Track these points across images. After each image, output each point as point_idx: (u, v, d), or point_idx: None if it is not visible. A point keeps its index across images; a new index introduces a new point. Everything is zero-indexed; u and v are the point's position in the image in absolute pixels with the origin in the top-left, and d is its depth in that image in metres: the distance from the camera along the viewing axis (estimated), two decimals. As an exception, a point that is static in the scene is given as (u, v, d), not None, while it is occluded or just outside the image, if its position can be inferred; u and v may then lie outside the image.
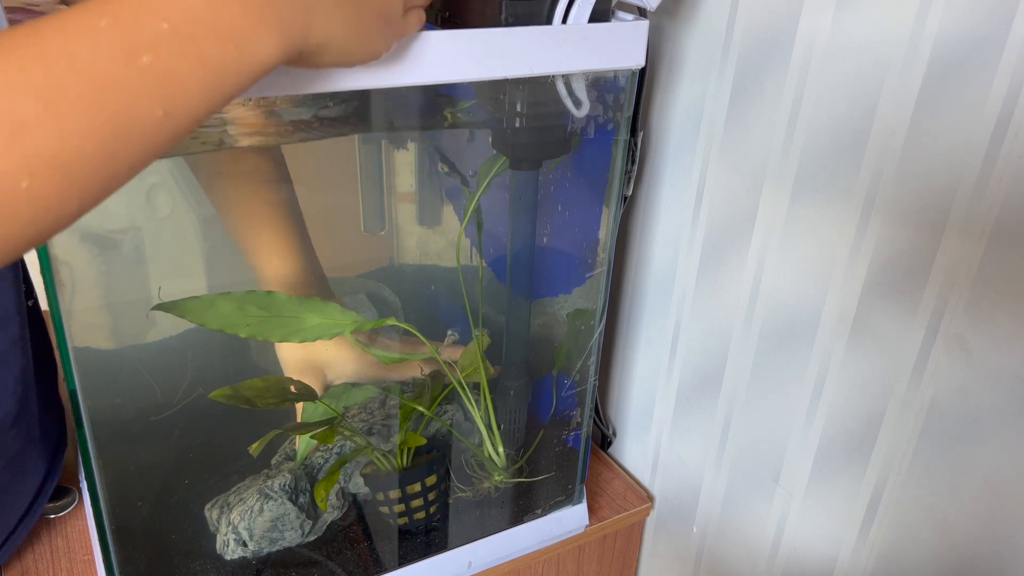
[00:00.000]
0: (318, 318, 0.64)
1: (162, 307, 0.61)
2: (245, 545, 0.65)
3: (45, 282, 0.48)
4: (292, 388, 0.65)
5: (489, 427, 0.72)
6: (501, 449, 0.72)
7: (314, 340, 0.63)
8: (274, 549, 0.66)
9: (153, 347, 0.76)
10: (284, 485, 0.66)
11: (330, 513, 0.69)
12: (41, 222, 0.31)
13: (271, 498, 0.66)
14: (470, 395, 0.71)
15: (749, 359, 0.68)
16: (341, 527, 0.71)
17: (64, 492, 0.76)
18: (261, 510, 0.65)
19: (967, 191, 0.50)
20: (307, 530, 0.67)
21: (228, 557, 0.66)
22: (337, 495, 0.70)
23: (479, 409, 0.72)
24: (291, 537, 0.67)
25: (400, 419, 0.70)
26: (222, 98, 0.35)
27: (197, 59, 0.33)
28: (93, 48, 0.31)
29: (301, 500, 0.67)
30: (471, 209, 0.69)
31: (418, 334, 0.68)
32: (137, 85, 0.32)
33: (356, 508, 0.73)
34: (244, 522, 0.65)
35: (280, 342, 0.65)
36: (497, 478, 0.72)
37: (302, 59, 0.39)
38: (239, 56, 0.35)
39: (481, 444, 0.72)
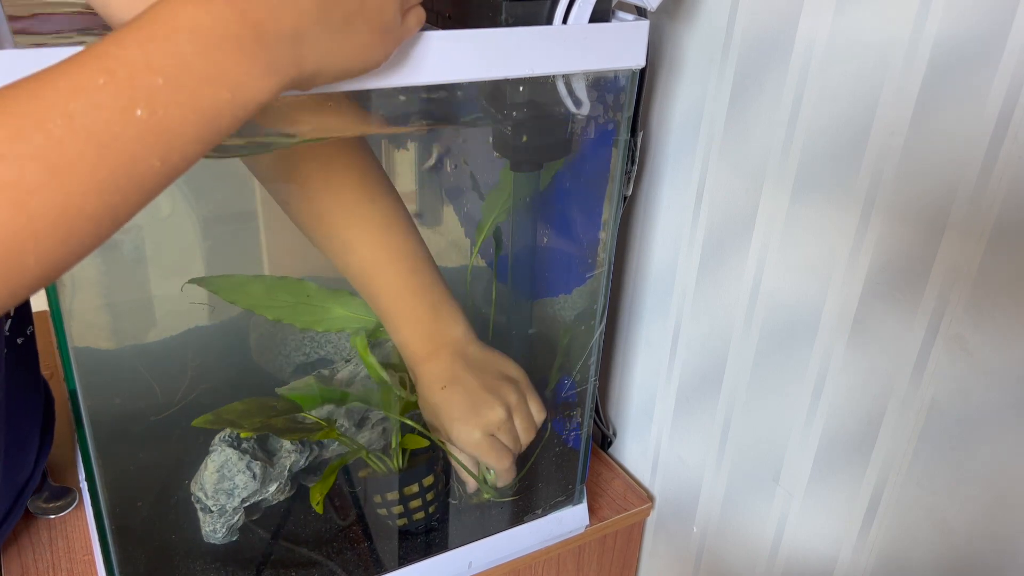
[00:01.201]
0: (343, 311, 0.66)
1: (196, 281, 0.64)
2: (210, 511, 0.65)
3: (45, 282, 0.48)
4: (275, 406, 0.65)
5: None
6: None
7: (337, 331, 0.66)
8: (235, 504, 0.65)
9: (153, 347, 0.76)
10: (223, 436, 0.66)
11: (287, 457, 0.68)
12: (46, 272, 0.32)
13: (211, 451, 0.65)
14: None
15: (749, 359, 0.68)
16: (341, 527, 0.71)
17: (64, 492, 0.76)
18: (206, 466, 0.65)
19: (967, 191, 0.50)
20: (258, 472, 0.66)
21: (206, 532, 0.66)
22: (294, 443, 0.70)
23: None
24: (244, 482, 0.65)
25: (395, 421, 0.69)
26: (217, 139, 0.36)
27: (192, 108, 0.34)
28: (91, 107, 0.31)
29: (244, 446, 0.66)
30: (482, 238, 0.71)
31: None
32: (135, 139, 0.32)
33: (356, 509, 0.73)
34: (197, 484, 0.65)
35: (303, 328, 0.67)
36: (486, 496, 0.71)
37: (298, 86, 0.40)
38: (233, 100, 0.35)
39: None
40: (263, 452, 0.68)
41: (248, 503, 0.66)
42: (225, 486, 0.65)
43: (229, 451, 0.65)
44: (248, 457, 0.66)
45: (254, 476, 0.66)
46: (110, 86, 0.32)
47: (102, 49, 0.32)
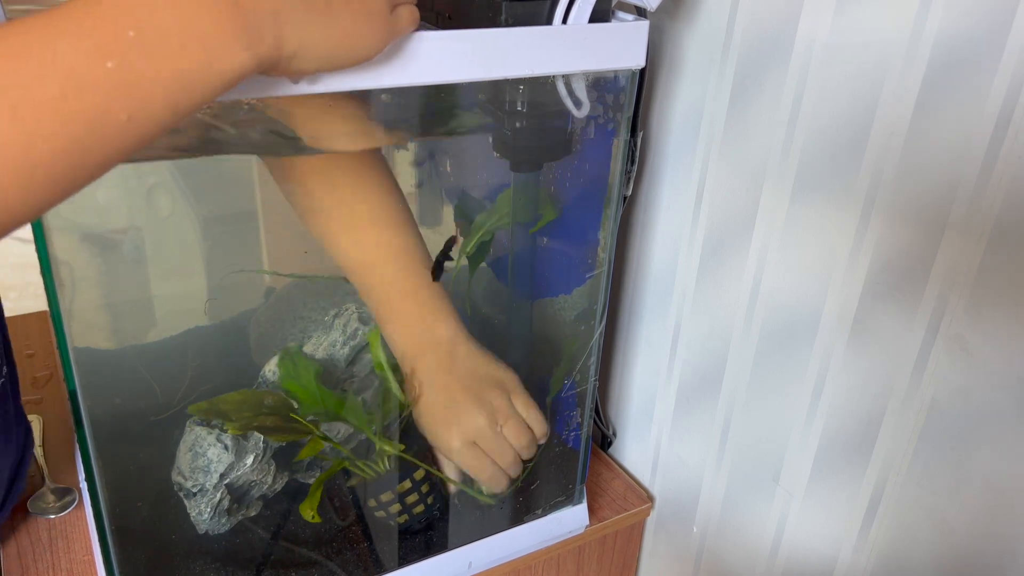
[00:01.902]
0: None
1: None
2: (192, 493, 0.65)
3: (45, 282, 0.48)
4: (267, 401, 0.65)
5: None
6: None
7: None
8: (214, 481, 0.65)
9: (153, 347, 0.76)
10: (193, 419, 0.66)
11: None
12: (1, 221, 0.32)
13: (184, 434, 0.66)
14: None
15: (749, 359, 0.68)
16: (341, 527, 0.71)
17: (64, 492, 0.76)
18: (180, 449, 0.66)
19: (967, 191, 0.50)
20: (230, 444, 0.66)
21: (194, 518, 0.66)
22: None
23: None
24: (217, 455, 0.65)
25: (379, 421, 0.69)
26: (188, 106, 0.35)
27: (163, 67, 0.34)
28: (59, 53, 0.31)
29: (213, 423, 0.67)
30: (473, 243, 0.71)
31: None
32: (102, 89, 0.32)
33: (355, 509, 0.73)
34: (176, 471, 0.65)
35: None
36: (483, 500, 0.71)
37: (279, 68, 0.39)
38: (206, 67, 0.35)
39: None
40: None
41: (228, 479, 0.66)
42: (200, 463, 0.65)
43: (198, 429, 0.65)
44: (217, 431, 0.66)
45: (226, 447, 0.65)
46: (79, 33, 0.32)
47: (78, 1, 0.33)
